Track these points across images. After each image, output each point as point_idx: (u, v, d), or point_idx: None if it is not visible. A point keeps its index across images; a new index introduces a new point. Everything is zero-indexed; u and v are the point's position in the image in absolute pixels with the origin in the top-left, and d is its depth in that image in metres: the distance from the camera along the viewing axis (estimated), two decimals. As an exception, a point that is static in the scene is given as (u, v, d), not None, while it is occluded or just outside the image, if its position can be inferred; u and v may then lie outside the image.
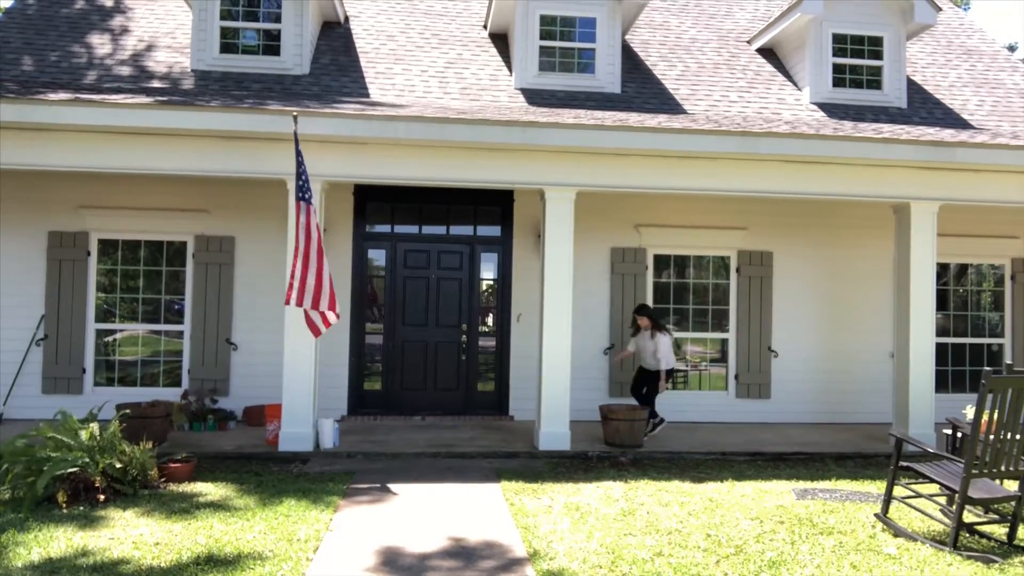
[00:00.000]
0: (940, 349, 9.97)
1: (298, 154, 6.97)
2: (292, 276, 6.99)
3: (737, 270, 10.10)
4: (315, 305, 6.98)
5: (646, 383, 8.75)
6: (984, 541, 5.28)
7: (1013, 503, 5.22)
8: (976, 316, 10.64)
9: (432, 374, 9.78)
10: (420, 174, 7.85)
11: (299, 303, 6.98)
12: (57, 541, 4.91)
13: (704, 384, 10.12)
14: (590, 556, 4.81)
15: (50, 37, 10.51)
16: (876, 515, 5.60)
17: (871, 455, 8.07)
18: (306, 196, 6.97)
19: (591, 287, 9.73)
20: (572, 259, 7.99)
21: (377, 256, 9.86)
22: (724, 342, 10.13)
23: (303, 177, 7.00)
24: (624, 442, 8.00)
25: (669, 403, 9.88)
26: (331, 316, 7.07)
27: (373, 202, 9.73)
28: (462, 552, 4.91)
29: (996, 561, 4.80)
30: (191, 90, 9.60)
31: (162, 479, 6.37)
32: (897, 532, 5.36)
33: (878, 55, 11.02)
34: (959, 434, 7.27)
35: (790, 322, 10.09)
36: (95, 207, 9.24)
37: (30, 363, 9.08)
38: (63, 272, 9.16)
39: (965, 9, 28.83)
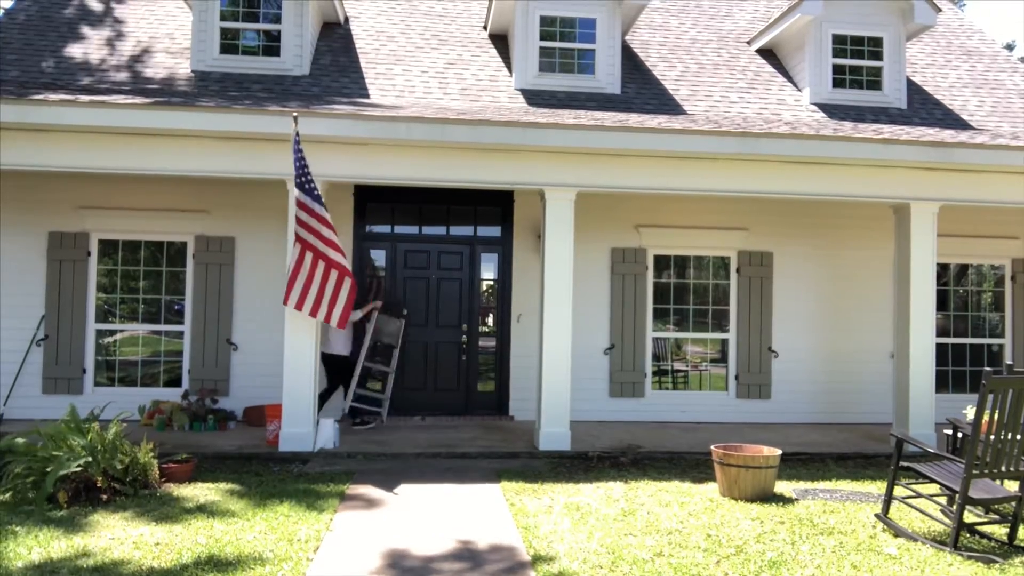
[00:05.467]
0: (940, 349, 9.97)
1: (296, 151, 6.96)
2: (296, 277, 7.10)
3: (737, 270, 10.10)
4: (322, 308, 7.18)
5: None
6: (985, 541, 5.28)
7: (1013, 503, 5.22)
8: (976, 316, 10.64)
9: (432, 374, 9.78)
10: (420, 175, 7.86)
11: (299, 306, 7.15)
12: (58, 541, 4.91)
13: (704, 384, 10.12)
14: (590, 556, 4.81)
15: (50, 38, 10.51)
16: (876, 515, 5.60)
17: (871, 455, 8.07)
18: (310, 191, 7.01)
19: (591, 288, 9.73)
20: (572, 260, 7.99)
21: (377, 257, 9.87)
22: (724, 342, 10.13)
23: (305, 177, 7.00)
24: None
25: (669, 403, 9.92)
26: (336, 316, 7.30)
27: (373, 203, 9.74)
28: (463, 553, 4.91)
29: (997, 561, 4.80)
30: (191, 91, 9.61)
31: (163, 479, 6.37)
32: (898, 532, 5.36)
33: (878, 56, 11.02)
34: (959, 434, 7.28)
35: (790, 322, 10.09)
36: (95, 207, 9.24)
37: (30, 363, 9.08)
38: (63, 272, 9.16)
39: (960, 8, 28.85)
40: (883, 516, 5.53)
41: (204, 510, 5.65)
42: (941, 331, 10.26)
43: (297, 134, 6.99)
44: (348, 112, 7.70)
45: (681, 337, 10.08)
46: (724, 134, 7.90)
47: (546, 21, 10.53)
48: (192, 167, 7.62)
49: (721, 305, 10.16)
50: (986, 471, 5.02)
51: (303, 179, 7.01)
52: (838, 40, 10.93)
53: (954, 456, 6.23)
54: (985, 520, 5.45)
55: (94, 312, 9.31)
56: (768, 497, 6.24)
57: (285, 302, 7.21)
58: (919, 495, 5.41)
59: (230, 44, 10.28)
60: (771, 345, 10.03)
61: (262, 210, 9.31)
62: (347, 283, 7.20)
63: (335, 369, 8.81)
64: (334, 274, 7.18)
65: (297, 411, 7.56)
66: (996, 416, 4.97)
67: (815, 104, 10.83)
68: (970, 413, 6.49)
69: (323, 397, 8.64)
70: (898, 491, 5.74)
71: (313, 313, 7.20)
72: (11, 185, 9.08)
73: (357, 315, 8.74)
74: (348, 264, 7.28)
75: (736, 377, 10.03)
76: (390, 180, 7.95)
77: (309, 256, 7.13)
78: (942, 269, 10.34)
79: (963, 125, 10.69)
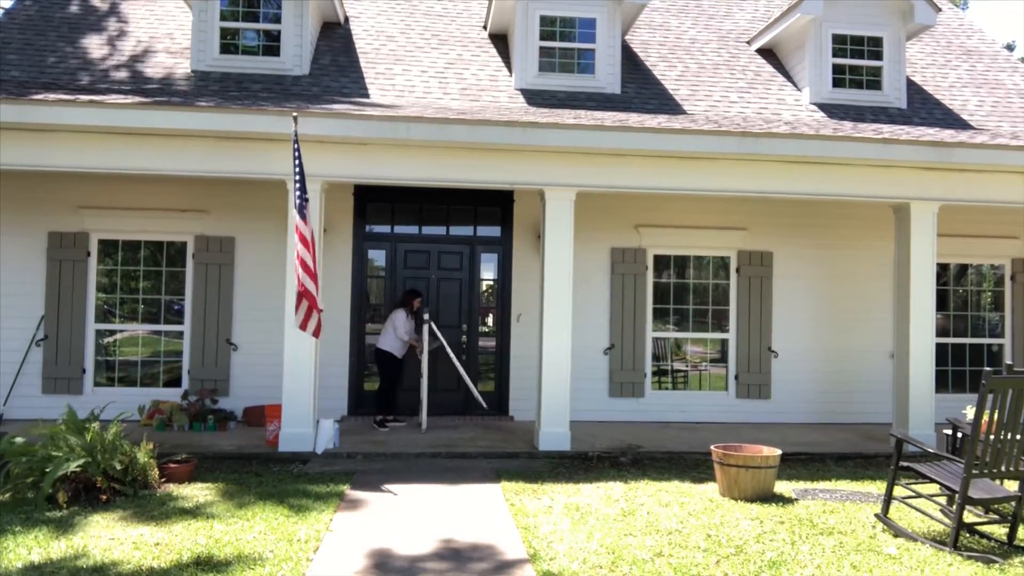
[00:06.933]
0: (940, 349, 9.96)
1: (296, 156, 6.90)
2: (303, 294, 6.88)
3: (737, 270, 10.10)
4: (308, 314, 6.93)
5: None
6: (984, 541, 5.28)
7: (1013, 503, 5.22)
8: (976, 316, 10.64)
9: (432, 374, 9.74)
10: (420, 174, 7.85)
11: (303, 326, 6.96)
12: (57, 541, 4.91)
13: (704, 384, 10.13)
14: (590, 556, 4.81)
15: (50, 38, 10.51)
16: (876, 515, 5.60)
17: (871, 455, 8.07)
18: (300, 203, 6.83)
19: (591, 287, 9.73)
20: (572, 259, 7.99)
21: (377, 256, 9.87)
22: (724, 342, 10.13)
23: (299, 181, 6.89)
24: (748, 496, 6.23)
25: (669, 403, 9.92)
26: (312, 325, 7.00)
27: (373, 202, 9.74)
28: (462, 553, 4.91)
29: (996, 561, 4.80)
30: (191, 91, 9.61)
31: (162, 479, 6.37)
32: (897, 532, 5.36)
33: (878, 55, 11.01)
34: (959, 434, 7.28)
35: (790, 322, 10.09)
36: (95, 207, 9.24)
37: (30, 363, 9.07)
38: (63, 272, 9.16)
39: (963, 8, 28.84)
40: (883, 516, 5.53)
41: (204, 510, 5.65)
42: (941, 331, 10.26)
43: (296, 137, 6.93)
44: (348, 112, 7.70)
45: (681, 337, 10.08)
46: (724, 134, 7.90)
47: (546, 21, 10.53)
48: (192, 167, 7.61)
49: (721, 305, 10.16)
50: (986, 471, 5.02)
51: (297, 186, 6.85)
52: (838, 40, 10.93)
53: (954, 456, 6.23)
54: (985, 520, 5.45)
55: (94, 312, 9.30)
56: (768, 497, 6.24)
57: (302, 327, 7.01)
58: (919, 495, 5.41)
59: (230, 44, 10.28)
60: (771, 345, 10.03)
61: (262, 210, 9.31)
62: (303, 305, 6.86)
63: (379, 366, 9.06)
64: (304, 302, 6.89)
65: (297, 411, 7.56)
66: (996, 416, 4.97)
67: (815, 104, 10.83)
68: (970, 413, 6.49)
69: (381, 396, 9.01)
70: (898, 491, 5.74)
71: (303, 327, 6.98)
72: (11, 185, 9.08)
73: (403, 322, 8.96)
74: (315, 292, 6.88)
75: (736, 377, 10.03)
76: (390, 180, 7.95)
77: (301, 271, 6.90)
78: (942, 269, 10.33)
79: (963, 125, 10.69)
